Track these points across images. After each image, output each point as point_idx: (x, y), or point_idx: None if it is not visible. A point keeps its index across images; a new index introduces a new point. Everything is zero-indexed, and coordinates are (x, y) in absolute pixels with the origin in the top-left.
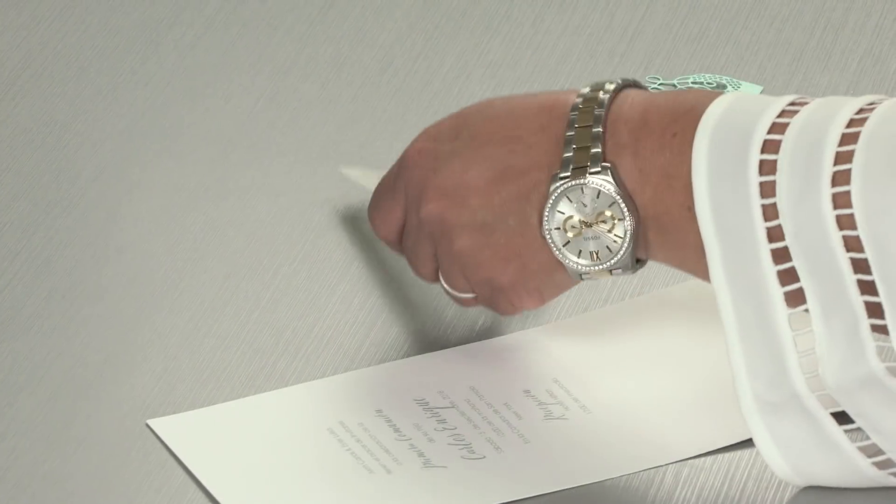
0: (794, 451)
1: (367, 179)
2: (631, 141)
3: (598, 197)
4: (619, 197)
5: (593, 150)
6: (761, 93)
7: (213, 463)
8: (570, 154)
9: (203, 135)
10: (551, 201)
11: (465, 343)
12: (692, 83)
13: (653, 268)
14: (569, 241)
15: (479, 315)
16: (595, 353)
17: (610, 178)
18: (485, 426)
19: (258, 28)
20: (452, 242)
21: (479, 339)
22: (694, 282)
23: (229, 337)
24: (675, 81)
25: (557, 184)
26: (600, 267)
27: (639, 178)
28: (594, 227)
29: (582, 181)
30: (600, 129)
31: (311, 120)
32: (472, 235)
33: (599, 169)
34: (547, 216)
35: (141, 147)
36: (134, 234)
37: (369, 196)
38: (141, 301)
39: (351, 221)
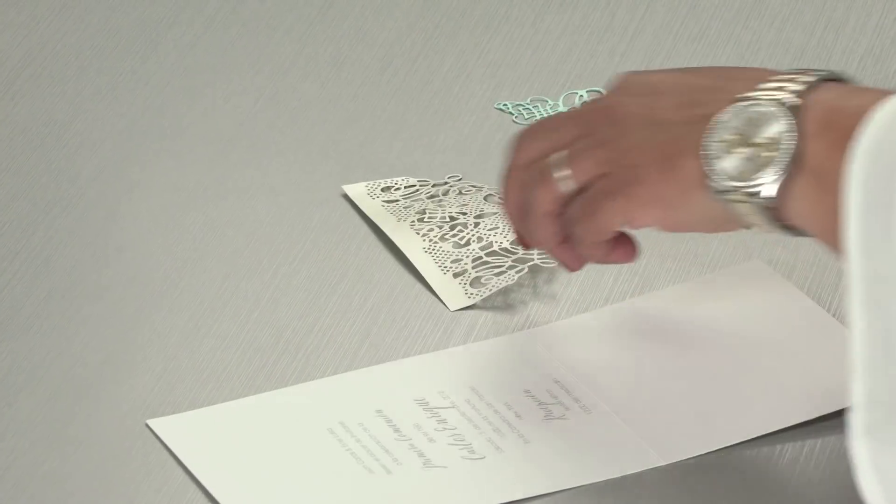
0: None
1: (367, 203)
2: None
3: (772, 122)
4: (792, 126)
5: (787, 89)
6: None
7: (212, 463)
8: (767, 84)
9: (202, 134)
10: (727, 112)
11: (465, 343)
12: None
13: (653, 268)
14: (722, 157)
15: (480, 315)
16: (596, 353)
17: (791, 115)
18: (485, 426)
19: (258, 28)
20: (617, 110)
21: (480, 340)
22: (692, 283)
23: (229, 337)
24: None
25: (741, 102)
26: (740, 184)
27: (820, 129)
28: (753, 148)
29: (764, 102)
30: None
31: (310, 119)
32: (641, 119)
33: (789, 101)
34: (715, 123)
35: (140, 146)
36: (133, 233)
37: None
38: (140, 301)
39: (351, 220)
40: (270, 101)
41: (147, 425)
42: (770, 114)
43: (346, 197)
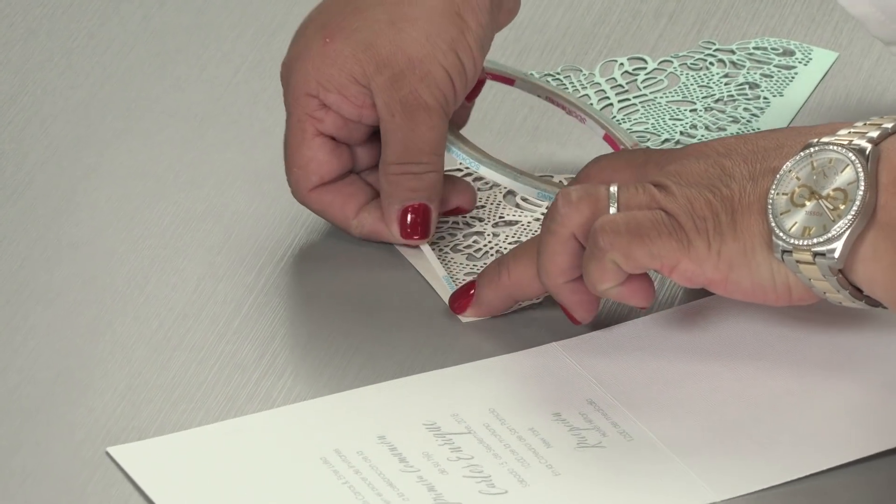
0: None
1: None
2: None
3: (842, 171)
4: (862, 175)
5: (863, 135)
6: (836, 60)
7: (184, 499)
8: (840, 131)
9: (173, 110)
10: (795, 159)
11: (483, 357)
12: (754, 49)
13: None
14: (788, 211)
15: (499, 323)
16: (637, 369)
17: (864, 162)
18: (507, 455)
19: None
20: (678, 161)
21: (500, 353)
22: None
23: (205, 349)
24: (733, 47)
25: (809, 149)
26: (806, 242)
27: (894, 179)
28: (821, 202)
29: (837, 149)
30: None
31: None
32: (705, 173)
33: (860, 146)
34: (781, 175)
35: (99, 125)
36: (90, 227)
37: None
38: (99, 306)
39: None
40: (253, 70)
41: (108, 454)
42: (839, 161)
43: None
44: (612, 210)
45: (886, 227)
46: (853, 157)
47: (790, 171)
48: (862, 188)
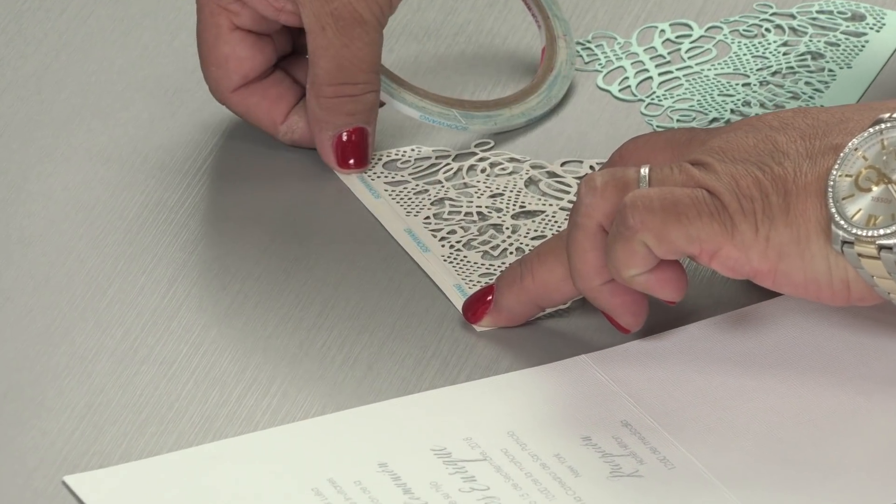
0: None
1: (361, 187)
2: None
3: None
4: None
5: None
6: None
7: None
8: None
9: (140, 84)
10: (862, 136)
11: (500, 372)
12: (818, 13)
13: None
14: (852, 196)
15: (519, 333)
16: (679, 384)
17: None
18: (528, 486)
19: None
20: (728, 139)
21: (521, 367)
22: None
23: (177, 362)
24: (793, 11)
25: (885, 124)
26: (870, 233)
27: None
28: (890, 187)
29: None
30: None
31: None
32: (758, 149)
33: None
34: (846, 153)
35: (54, 101)
36: (44, 220)
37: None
38: (55, 313)
39: (347, 204)
40: None
41: (64, 483)
42: None
43: (331, 172)
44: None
45: None
46: None
47: (856, 149)
48: None
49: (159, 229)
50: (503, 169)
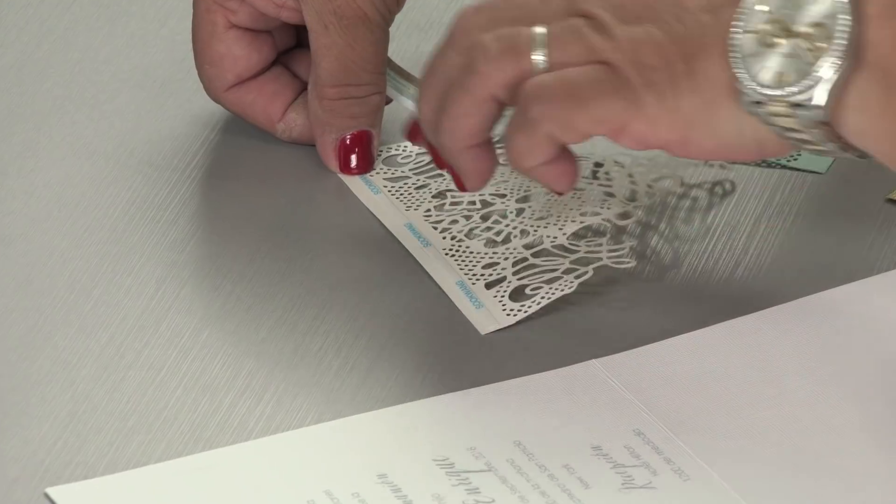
0: None
1: (359, 184)
2: None
3: (820, 0)
4: (847, 8)
5: None
6: None
7: None
8: None
9: (126, 74)
10: None
11: (505, 378)
12: None
13: (778, 272)
14: (756, 54)
15: (520, 336)
16: (694, 390)
17: None
18: (535, 498)
19: None
20: None
21: (526, 373)
22: (834, 293)
23: (165, 368)
24: None
25: None
26: (780, 92)
27: (887, 8)
28: (796, 41)
29: None
30: None
31: None
32: (653, 3)
33: None
34: (746, 8)
35: (35, 92)
36: (25, 218)
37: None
38: (37, 316)
39: (344, 200)
40: None
41: (46, 495)
42: None
43: (330, 177)
44: (539, 58)
45: (876, 68)
46: None
47: (757, 3)
48: (846, 22)
49: (147, 228)
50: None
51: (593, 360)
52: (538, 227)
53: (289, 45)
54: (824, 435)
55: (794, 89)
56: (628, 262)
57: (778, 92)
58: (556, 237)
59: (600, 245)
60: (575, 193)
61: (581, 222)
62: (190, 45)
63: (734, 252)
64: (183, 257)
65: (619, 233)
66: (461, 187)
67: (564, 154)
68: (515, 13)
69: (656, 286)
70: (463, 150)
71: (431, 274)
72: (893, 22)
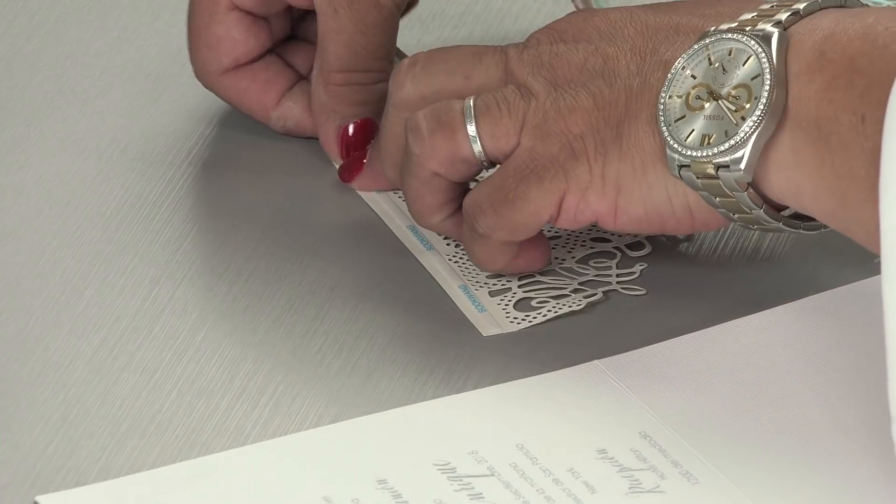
0: None
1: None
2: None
3: (744, 64)
4: (767, 67)
5: (770, 18)
6: None
7: None
8: (746, 16)
9: (119, 68)
10: (689, 53)
11: (509, 380)
12: None
13: (794, 266)
14: (684, 117)
15: (523, 338)
16: (701, 391)
17: (769, 50)
18: (540, 503)
19: None
20: (555, 55)
21: (529, 374)
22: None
23: (160, 371)
24: None
25: (710, 38)
26: (706, 153)
27: (811, 64)
28: (722, 102)
29: (737, 36)
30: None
31: None
32: (585, 69)
33: (765, 31)
34: (673, 73)
35: (25, 86)
36: (15, 216)
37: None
38: (27, 317)
39: (340, 197)
40: None
41: (37, 503)
42: (740, 51)
43: (331, 166)
44: (472, 131)
45: (804, 123)
46: (756, 46)
47: (683, 68)
48: (768, 81)
49: (140, 226)
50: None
51: (596, 360)
52: (550, 231)
53: (284, 35)
54: (836, 438)
55: (718, 149)
56: (639, 291)
57: (702, 153)
58: (563, 259)
59: (609, 269)
60: None
61: (591, 248)
62: (184, 39)
63: (744, 250)
64: (178, 257)
65: (629, 258)
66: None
67: (526, 243)
68: (449, 73)
69: (664, 286)
70: (440, 222)
71: (433, 275)
72: (817, 76)
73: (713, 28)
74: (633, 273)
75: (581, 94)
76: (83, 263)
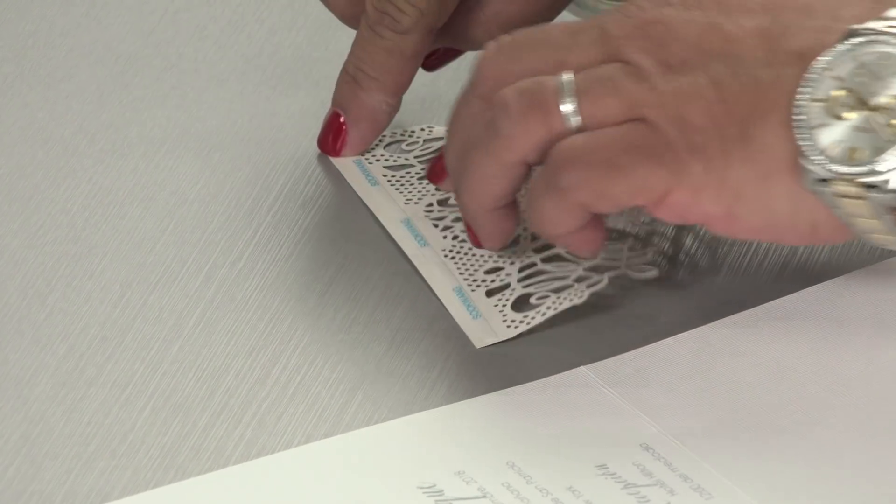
0: None
1: (355, 172)
2: None
3: None
4: None
5: None
6: None
7: None
8: None
9: (86, 50)
10: (831, 52)
11: (497, 388)
12: None
13: (808, 257)
14: (823, 125)
15: (514, 344)
16: (703, 396)
17: None
18: None
19: None
20: (670, 27)
21: (521, 381)
22: (864, 273)
23: (132, 385)
24: None
25: (854, 38)
26: (852, 170)
27: None
28: (871, 114)
29: (892, 38)
30: None
31: (267, 25)
32: (705, 47)
33: None
34: (814, 73)
35: None
36: None
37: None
38: None
39: (333, 194)
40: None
41: None
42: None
43: (324, 156)
44: (568, 108)
45: None
46: None
47: (826, 69)
48: None
49: (109, 224)
50: (531, 225)
51: (582, 367)
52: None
53: None
54: (857, 440)
55: (869, 167)
56: (651, 271)
57: (850, 169)
58: None
59: (620, 251)
60: None
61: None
62: (158, 19)
63: (741, 247)
64: (150, 258)
65: (641, 240)
66: (477, 244)
67: (593, 221)
68: (540, 53)
69: (660, 290)
70: (485, 213)
71: (427, 279)
72: None
73: (862, 26)
74: (644, 254)
75: (701, 80)
76: (46, 266)
